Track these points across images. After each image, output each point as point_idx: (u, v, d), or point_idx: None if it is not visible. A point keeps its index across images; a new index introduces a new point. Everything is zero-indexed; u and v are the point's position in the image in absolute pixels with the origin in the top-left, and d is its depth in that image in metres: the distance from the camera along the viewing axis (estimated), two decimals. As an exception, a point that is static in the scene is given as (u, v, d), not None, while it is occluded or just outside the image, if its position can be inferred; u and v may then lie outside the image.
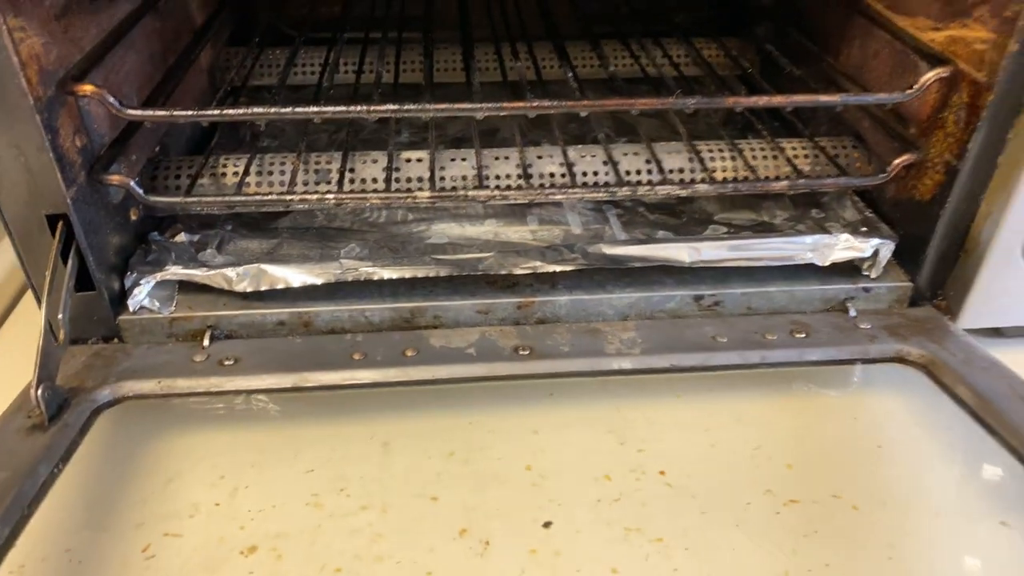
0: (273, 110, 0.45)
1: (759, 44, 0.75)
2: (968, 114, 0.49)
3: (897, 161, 0.52)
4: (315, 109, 0.46)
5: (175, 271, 0.51)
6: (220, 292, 0.52)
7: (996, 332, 0.58)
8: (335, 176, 0.56)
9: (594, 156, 0.60)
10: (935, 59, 0.50)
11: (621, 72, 0.73)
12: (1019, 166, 0.48)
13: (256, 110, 0.45)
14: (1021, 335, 0.58)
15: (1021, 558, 0.37)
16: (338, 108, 0.46)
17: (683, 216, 0.61)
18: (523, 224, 0.60)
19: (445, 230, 0.59)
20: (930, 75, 0.49)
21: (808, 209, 0.61)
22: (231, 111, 0.46)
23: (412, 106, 0.47)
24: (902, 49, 0.55)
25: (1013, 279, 0.52)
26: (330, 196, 0.49)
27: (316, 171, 0.57)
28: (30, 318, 0.60)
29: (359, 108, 0.46)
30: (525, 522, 0.39)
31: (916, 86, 0.49)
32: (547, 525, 0.38)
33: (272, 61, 0.77)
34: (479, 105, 0.48)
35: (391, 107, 0.46)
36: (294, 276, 0.51)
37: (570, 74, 0.54)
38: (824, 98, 0.49)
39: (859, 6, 0.60)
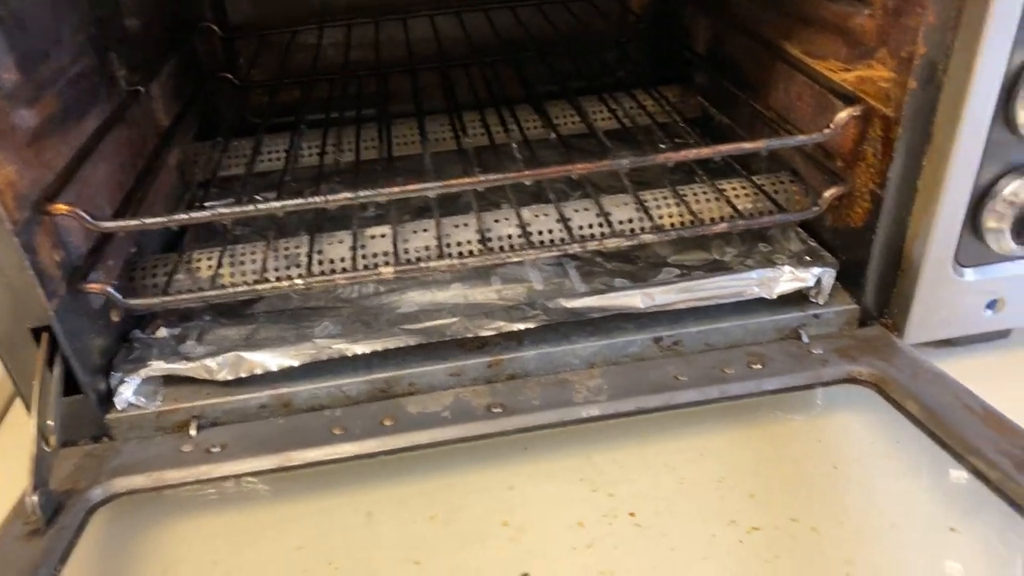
0: (238, 209, 0.49)
1: (698, 92, 0.80)
2: (883, 146, 0.53)
3: (827, 194, 0.56)
4: (278, 204, 0.49)
5: (158, 366, 0.53)
6: (203, 382, 0.54)
7: (948, 343, 0.61)
8: (304, 260, 0.59)
9: (547, 215, 0.63)
10: (847, 98, 0.54)
11: (568, 130, 0.77)
12: (936, 189, 0.51)
13: (222, 211, 0.49)
14: (971, 342, 0.61)
15: (969, 561, 0.40)
16: (297, 201, 0.49)
17: (638, 262, 0.64)
18: (488, 285, 0.63)
19: (415, 298, 0.62)
20: (843, 114, 0.53)
21: (755, 244, 0.64)
22: (197, 215, 0.49)
23: (367, 192, 0.50)
24: (820, 90, 0.59)
25: (948, 293, 0.55)
26: (299, 281, 0.52)
27: (286, 256, 0.60)
28: (22, 424, 0.62)
29: (318, 200, 0.49)
30: (505, 576, 0.41)
31: (832, 126, 0.53)
32: (524, 577, 0.41)
33: (239, 151, 0.81)
34: (430, 184, 0.51)
35: (347, 195, 0.49)
36: (271, 360, 0.53)
37: (514, 145, 0.58)
38: (748, 145, 0.53)
39: (780, 53, 0.65)
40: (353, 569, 0.42)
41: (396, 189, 0.50)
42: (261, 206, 0.49)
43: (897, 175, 0.52)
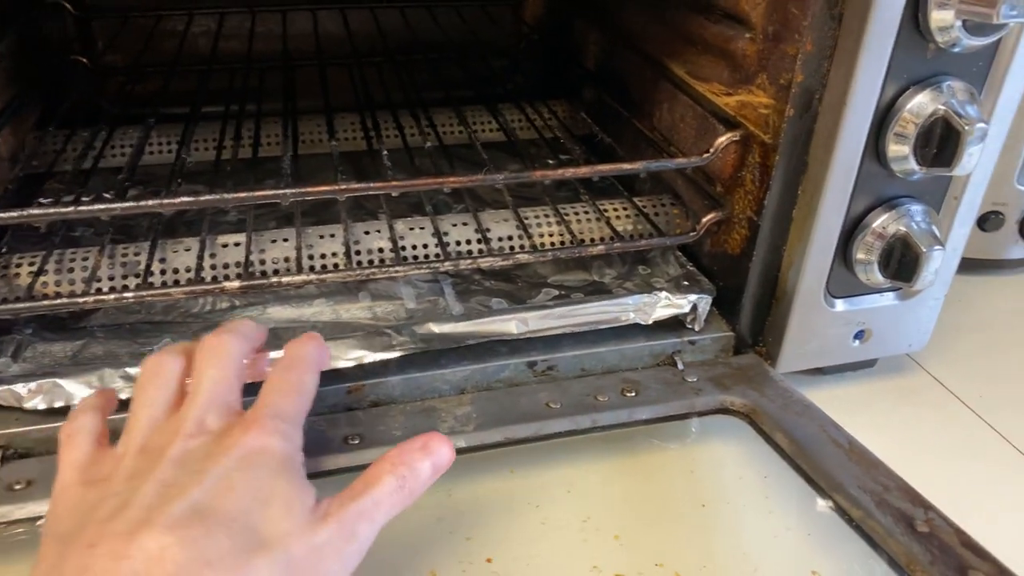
0: (52, 211, 0.42)
1: (585, 108, 0.78)
2: (761, 173, 0.52)
3: (705, 219, 0.55)
4: (100, 207, 0.43)
5: (-46, 389, 0.46)
6: (12, 407, 0.47)
7: (819, 371, 0.61)
8: (143, 268, 0.52)
9: (423, 228, 0.59)
10: (728, 123, 0.54)
11: (453, 140, 0.73)
12: (811, 218, 0.51)
13: (32, 212, 0.42)
14: (840, 371, 0.62)
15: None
16: (127, 204, 0.43)
17: (518, 281, 0.61)
18: (355, 301, 0.58)
19: (274, 314, 0.57)
20: (723, 139, 0.52)
21: (635, 266, 0.62)
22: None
23: (209, 196, 0.45)
24: (702, 113, 0.58)
25: (819, 322, 0.55)
26: (128, 295, 0.46)
27: (123, 264, 0.54)
28: None
29: (150, 203, 0.43)
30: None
31: (711, 150, 0.52)
32: (364, 635, 0.36)
33: (87, 142, 0.73)
34: (286, 191, 0.46)
35: (186, 199, 0.44)
36: (94, 387, 0.47)
37: (385, 152, 0.54)
38: (627, 165, 0.51)
39: (665, 72, 0.64)
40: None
41: (243, 194, 0.45)
42: (82, 208, 0.43)
43: (773, 203, 0.52)
